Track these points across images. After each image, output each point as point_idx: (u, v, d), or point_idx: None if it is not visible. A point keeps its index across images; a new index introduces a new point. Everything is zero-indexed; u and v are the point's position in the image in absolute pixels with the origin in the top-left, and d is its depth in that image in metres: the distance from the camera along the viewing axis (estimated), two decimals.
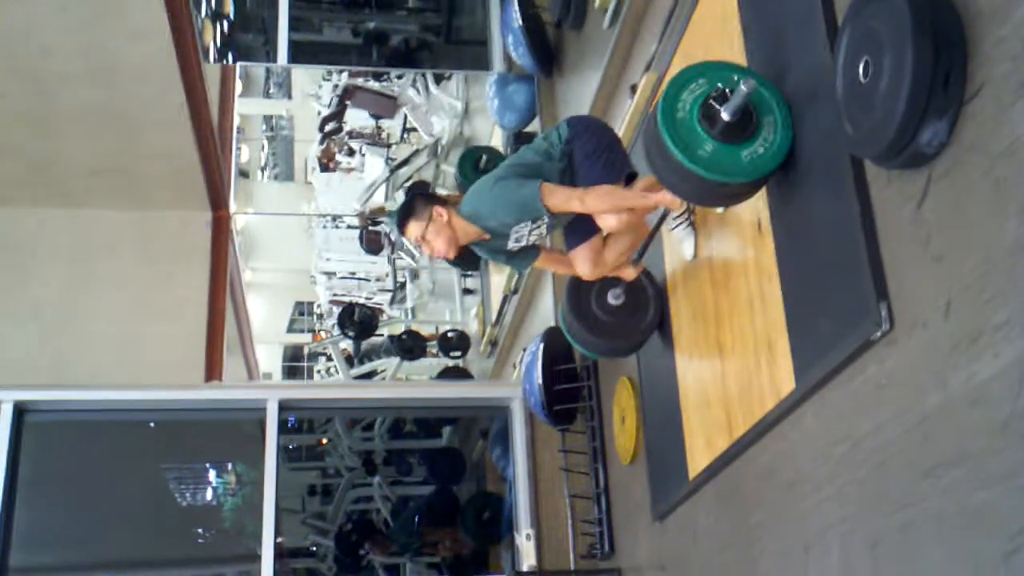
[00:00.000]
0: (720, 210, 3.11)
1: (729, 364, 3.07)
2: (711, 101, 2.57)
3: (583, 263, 3.32)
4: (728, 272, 3.10)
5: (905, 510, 2.11)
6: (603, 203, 3.05)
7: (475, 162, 7.15)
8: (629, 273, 3.49)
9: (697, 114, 2.57)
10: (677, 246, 3.48)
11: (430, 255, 3.28)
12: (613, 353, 3.89)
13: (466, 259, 6.73)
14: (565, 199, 3.06)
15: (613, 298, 3.62)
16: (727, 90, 2.58)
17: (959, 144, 1.97)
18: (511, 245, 3.21)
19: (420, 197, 3.20)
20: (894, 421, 2.16)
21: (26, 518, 5.30)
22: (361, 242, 10.23)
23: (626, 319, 3.64)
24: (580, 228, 3.27)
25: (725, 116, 2.54)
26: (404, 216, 3.17)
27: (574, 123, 3.26)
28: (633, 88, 4.03)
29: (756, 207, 2.88)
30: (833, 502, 2.42)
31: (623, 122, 4.09)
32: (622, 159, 3.24)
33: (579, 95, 5.16)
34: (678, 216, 3.37)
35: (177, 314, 6.66)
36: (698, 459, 3.30)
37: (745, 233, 2.96)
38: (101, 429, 6.24)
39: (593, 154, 3.17)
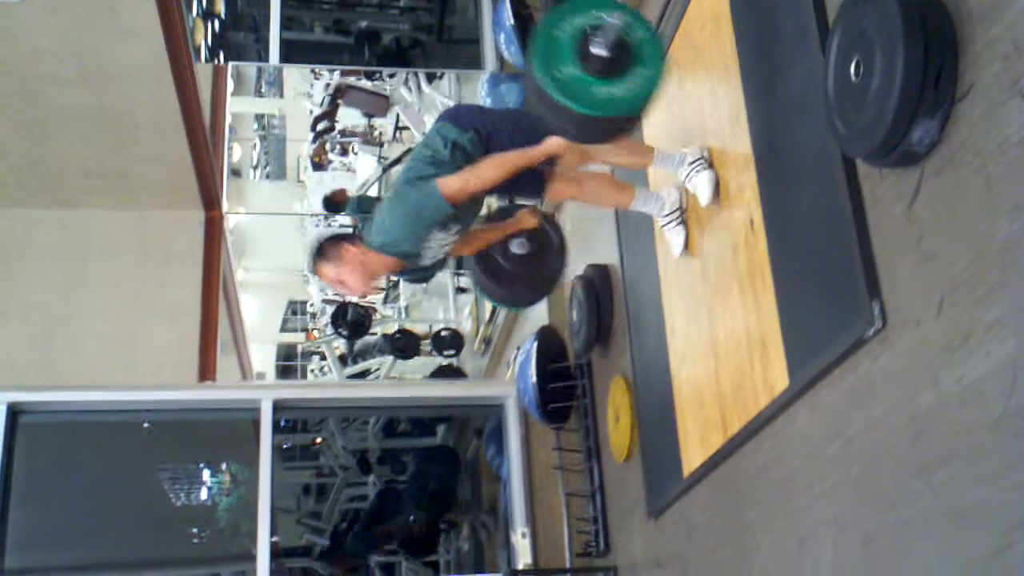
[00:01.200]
0: (704, 201, 3.10)
1: (723, 362, 3.08)
2: (593, 34, 2.65)
3: (569, 190, 3.35)
4: (721, 271, 3.11)
5: (897, 508, 2.12)
6: (497, 170, 2.99)
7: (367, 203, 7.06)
8: (529, 221, 3.45)
9: (573, 39, 2.66)
10: (667, 244, 3.48)
11: (348, 294, 3.29)
12: (518, 301, 3.91)
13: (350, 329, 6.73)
14: (462, 183, 2.98)
15: (517, 247, 3.59)
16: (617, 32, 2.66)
17: (950, 143, 1.98)
18: (426, 262, 3.17)
19: (329, 239, 3.16)
20: (886, 419, 2.17)
21: (21, 519, 5.29)
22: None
23: (531, 267, 3.63)
24: (527, 187, 3.25)
25: (595, 49, 2.62)
26: (315, 259, 3.15)
27: (454, 118, 3.18)
28: None
29: (749, 206, 2.89)
30: (826, 499, 2.43)
31: None
32: (531, 122, 3.18)
33: None
34: (669, 214, 3.37)
35: (170, 314, 6.66)
36: (692, 457, 3.31)
37: (738, 232, 2.97)
38: (95, 430, 6.24)
39: (507, 134, 3.13)
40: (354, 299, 10.86)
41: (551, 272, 3.65)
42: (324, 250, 3.12)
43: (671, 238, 3.42)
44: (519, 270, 3.60)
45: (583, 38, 2.65)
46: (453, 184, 2.98)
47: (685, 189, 3.27)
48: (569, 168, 3.22)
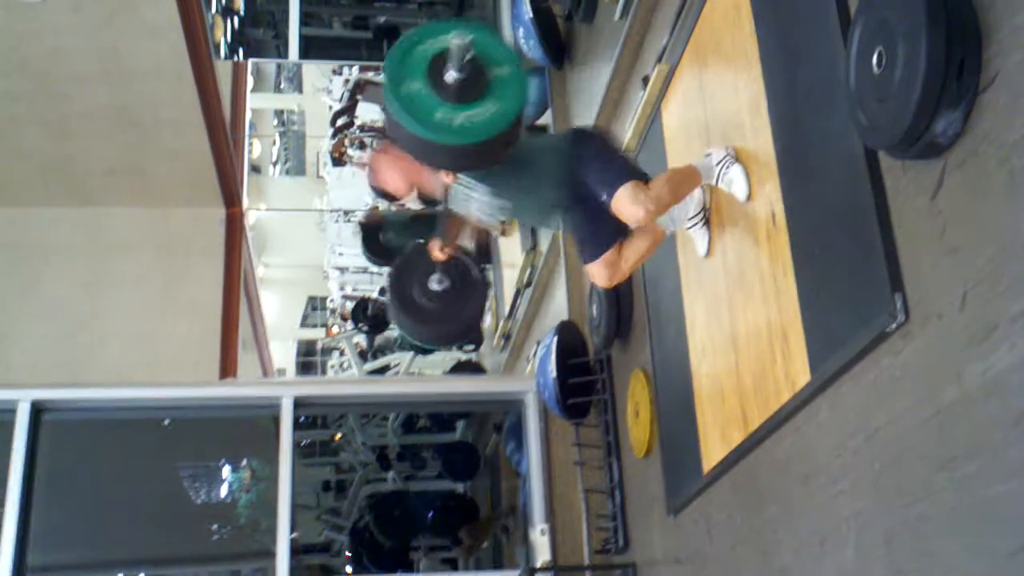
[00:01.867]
0: (742, 195, 3.06)
1: (743, 357, 3.06)
2: (448, 56, 2.58)
3: (602, 276, 3.30)
4: (742, 265, 3.09)
5: (921, 503, 2.10)
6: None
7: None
8: (438, 255, 3.38)
9: (428, 61, 2.59)
10: (691, 244, 3.46)
11: (383, 188, 3.23)
12: (448, 339, 3.81)
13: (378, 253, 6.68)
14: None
15: (436, 283, 3.49)
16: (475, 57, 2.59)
17: (974, 134, 1.95)
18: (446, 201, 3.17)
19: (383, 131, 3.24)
20: (909, 414, 2.15)
21: (44, 516, 5.33)
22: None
23: (452, 303, 3.52)
24: (598, 240, 3.24)
25: (449, 74, 2.55)
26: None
27: (577, 132, 3.26)
28: (645, 80, 4.02)
29: (770, 199, 2.87)
30: (848, 495, 2.41)
31: (635, 113, 4.08)
32: (631, 164, 3.20)
33: (591, 87, 5.15)
34: (693, 216, 3.36)
35: (192, 312, 6.70)
36: (713, 452, 3.29)
37: (759, 225, 2.94)
38: (117, 427, 6.27)
39: (600, 158, 3.14)
40: (374, 295, 10.87)
41: (472, 309, 3.53)
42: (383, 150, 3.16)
43: (696, 239, 3.40)
44: (438, 307, 3.48)
45: (439, 59, 2.58)
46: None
47: (715, 187, 3.23)
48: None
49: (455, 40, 2.47)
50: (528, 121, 6.62)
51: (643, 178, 3.12)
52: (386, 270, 11.35)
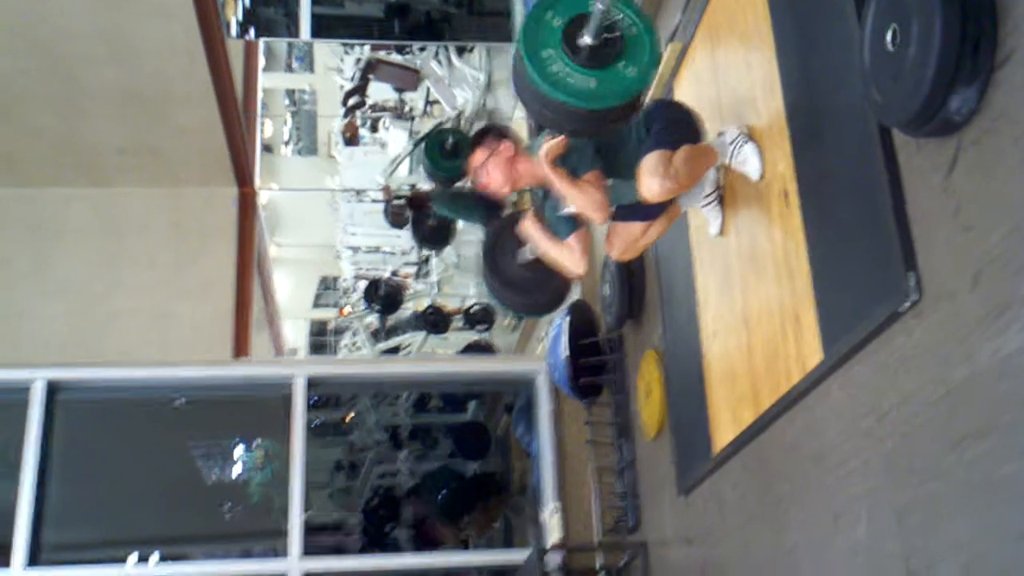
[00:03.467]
0: (755, 174, 3.03)
1: (755, 337, 3.05)
2: (583, 21, 2.55)
3: (621, 244, 3.33)
4: (754, 244, 3.08)
5: (932, 482, 2.10)
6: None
7: (441, 145, 6.80)
8: (526, 224, 3.34)
9: (563, 24, 2.56)
10: (704, 223, 3.45)
11: (485, 186, 3.24)
12: (539, 309, 3.81)
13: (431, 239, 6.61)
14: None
15: (528, 253, 3.47)
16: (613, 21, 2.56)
17: (989, 112, 1.94)
18: (563, 208, 3.15)
19: (495, 128, 3.20)
20: (921, 393, 2.14)
21: (58, 494, 5.38)
22: (386, 216, 10.19)
23: (542, 274, 3.50)
24: (638, 208, 3.21)
25: (582, 37, 2.53)
26: (475, 141, 3.17)
27: (655, 105, 3.22)
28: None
29: (783, 177, 2.86)
30: (860, 474, 2.41)
31: (648, 93, 4.05)
32: (690, 130, 3.17)
33: None
34: (708, 194, 3.34)
35: (205, 291, 6.72)
36: (724, 432, 3.29)
37: (772, 204, 2.93)
38: (131, 406, 6.31)
39: (667, 126, 3.11)
40: (387, 275, 10.88)
41: (561, 279, 3.50)
42: (484, 137, 3.15)
43: (710, 217, 3.39)
44: (530, 276, 3.50)
45: (573, 24, 2.56)
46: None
47: (728, 167, 3.22)
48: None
49: (598, 4, 2.46)
50: None
51: (694, 139, 3.09)
52: (399, 252, 11.37)
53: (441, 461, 8.90)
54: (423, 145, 7.06)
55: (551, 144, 2.96)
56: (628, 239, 3.32)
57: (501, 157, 3.10)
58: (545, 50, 2.54)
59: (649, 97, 4.03)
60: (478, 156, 3.13)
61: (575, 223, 3.13)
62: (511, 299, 3.61)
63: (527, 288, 3.52)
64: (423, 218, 7.65)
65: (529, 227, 3.22)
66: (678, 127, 3.12)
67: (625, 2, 2.63)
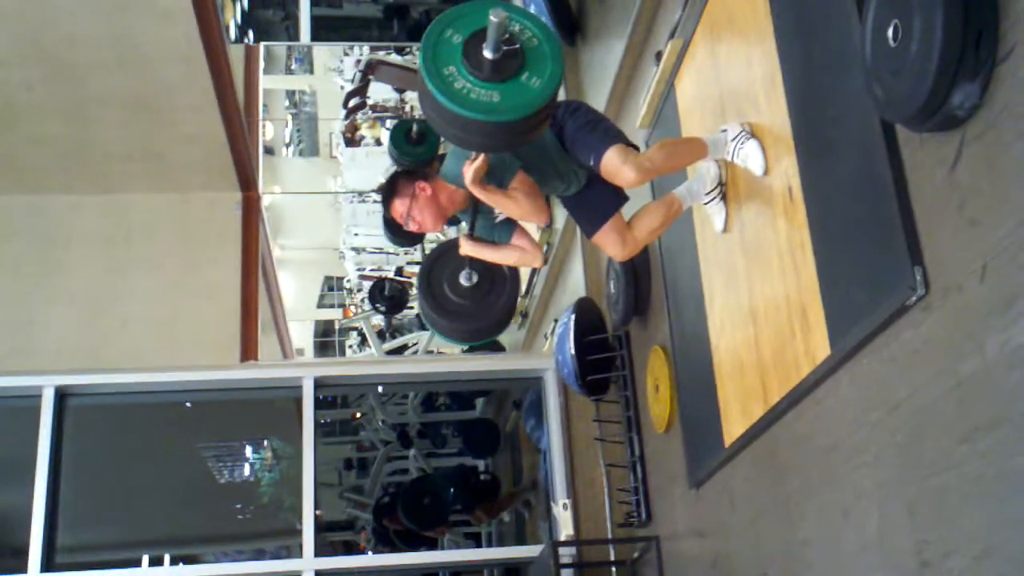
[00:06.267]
0: (759, 170, 3.05)
1: (763, 331, 3.07)
2: (482, 34, 2.53)
3: (613, 246, 3.28)
4: (760, 240, 3.10)
5: (943, 474, 2.12)
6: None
7: (406, 133, 6.84)
8: (467, 250, 3.28)
9: (464, 40, 2.54)
10: (708, 220, 3.47)
11: (418, 231, 3.23)
12: (477, 335, 3.62)
13: (402, 234, 6.59)
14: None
15: (465, 279, 3.41)
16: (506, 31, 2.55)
17: (992, 106, 1.95)
18: (493, 218, 3.16)
19: (403, 174, 3.17)
20: (930, 386, 2.16)
21: (71, 499, 5.41)
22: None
23: (481, 299, 3.43)
24: (596, 210, 3.23)
25: (485, 52, 2.51)
26: (387, 196, 3.15)
27: (563, 103, 3.20)
28: (658, 55, 4.01)
29: (787, 174, 2.87)
30: (870, 467, 2.43)
31: (649, 89, 4.07)
32: (617, 130, 3.19)
33: (603, 63, 5.14)
34: (711, 191, 3.35)
35: (211, 295, 6.74)
36: (733, 426, 3.32)
37: (776, 200, 2.95)
38: (140, 411, 6.34)
39: (587, 125, 3.12)
40: (391, 274, 10.90)
41: (502, 305, 3.44)
42: (397, 186, 3.13)
43: (713, 214, 3.40)
44: (471, 302, 3.41)
45: (473, 39, 2.55)
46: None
47: (729, 163, 3.23)
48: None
49: (492, 18, 2.47)
50: None
51: (630, 145, 3.12)
52: (403, 251, 11.39)
53: (450, 459, 8.94)
54: (389, 134, 7.06)
55: (474, 166, 2.92)
56: (618, 234, 3.27)
57: (421, 199, 3.08)
58: (447, 67, 2.52)
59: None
60: (397, 207, 3.11)
61: (511, 224, 3.16)
62: (453, 328, 3.51)
63: (468, 314, 3.43)
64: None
65: (470, 249, 3.18)
66: (601, 123, 3.14)
67: (525, 14, 2.62)
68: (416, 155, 6.19)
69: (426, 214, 3.09)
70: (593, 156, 3.05)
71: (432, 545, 8.32)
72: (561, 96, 6.35)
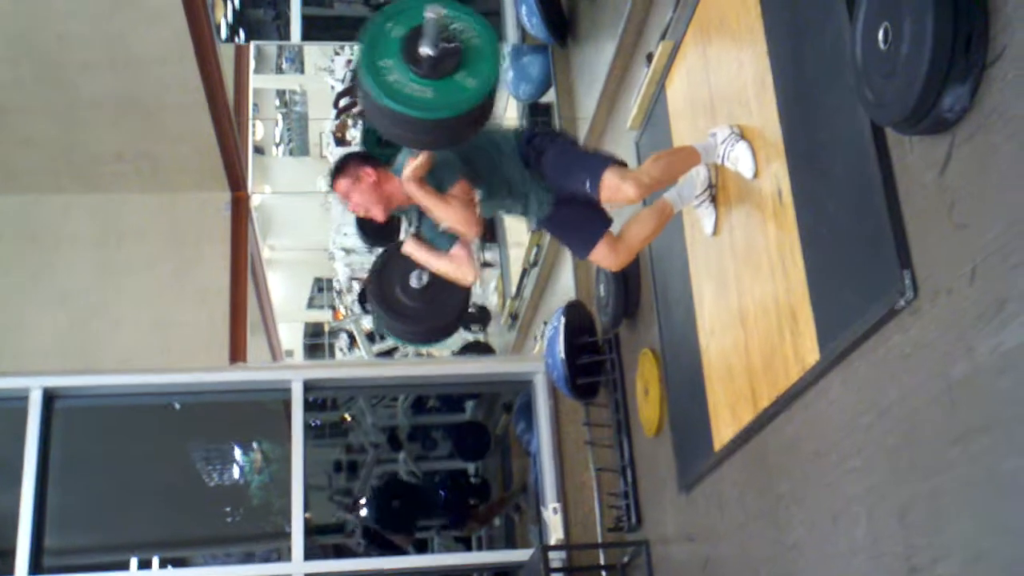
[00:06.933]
0: (748, 172, 3.04)
1: (752, 335, 3.06)
2: (420, 31, 2.54)
3: (606, 260, 3.31)
4: (750, 243, 3.09)
5: (934, 478, 2.11)
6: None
7: (378, 135, 6.83)
8: (407, 247, 3.28)
9: (403, 36, 2.55)
10: (698, 222, 3.46)
11: (360, 214, 3.22)
12: (431, 336, 3.60)
13: (372, 234, 6.59)
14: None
15: (416, 281, 3.38)
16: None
17: (981, 109, 1.95)
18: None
19: (354, 156, 3.18)
20: (921, 389, 2.15)
21: (59, 501, 5.38)
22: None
23: (432, 300, 3.41)
24: (583, 233, 3.26)
25: (423, 48, 2.51)
26: (334, 173, 3.17)
27: (534, 132, 3.24)
28: (649, 57, 4.00)
29: (777, 176, 2.87)
30: (861, 471, 2.42)
31: (639, 91, 4.07)
32: (607, 152, 3.22)
33: (594, 64, 5.13)
34: (700, 193, 3.35)
35: (201, 296, 6.70)
36: (723, 430, 3.31)
37: (766, 203, 2.94)
38: (129, 413, 6.31)
39: (574, 148, 3.16)
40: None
41: (454, 305, 3.42)
42: (345, 166, 3.15)
43: (703, 217, 3.40)
44: (422, 303, 3.39)
45: (414, 34, 2.55)
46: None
47: (720, 166, 3.23)
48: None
49: (428, 14, 2.45)
50: (532, 99, 6.61)
51: (620, 163, 3.15)
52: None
53: (440, 462, 8.92)
54: (360, 135, 7.05)
55: (416, 162, 2.93)
56: (612, 250, 3.30)
57: (364, 183, 3.09)
58: (384, 60, 2.52)
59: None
60: (341, 186, 3.13)
61: (456, 235, 3.13)
62: (406, 330, 3.51)
63: (421, 315, 3.41)
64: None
65: (411, 248, 3.18)
66: (585, 149, 3.19)
67: (468, 12, 2.61)
68: (387, 156, 6.20)
69: (366, 199, 3.10)
70: (589, 179, 3.07)
71: (422, 549, 8.31)
72: (551, 97, 6.38)
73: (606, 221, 3.28)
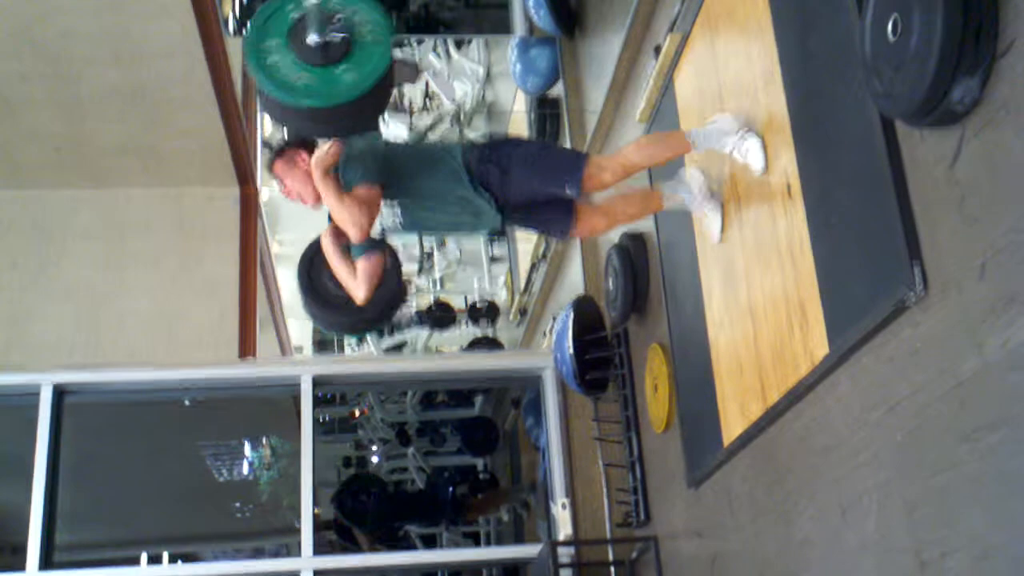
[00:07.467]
0: (758, 168, 3.02)
1: (761, 330, 3.05)
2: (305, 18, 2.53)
3: (587, 232, 3.41)
4: (759, 237, 3.07)
5: (943, 474, 2.09)
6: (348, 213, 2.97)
7: None
8: (323, 242, 3.25)
9: (290, 23, 2.54)
10: (704, 229, 3.45)
11: (287, 195, 3.21)
12: (361, 326, 3.63)
13: None
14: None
15: None
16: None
17: (992, 101, 1.93)
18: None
19: (293, 143, 3.14)
20: (930, 385, 2.13)
21: (70, 496, 5.38)
22: None
23: None
24: (554, 215, 3.26)
25: (310, 36, 2.50)
26: (274, 155, 3.15)
27: (488, 144, 3.21)
28: (657, 49, 3.98)
29: (786, 170, 2.84)
30: (870, 467, 2.40)
31: (648, 83, 4.04)
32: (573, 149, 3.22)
33: (602, 57, 5.11)
34: (705, 202, 3.35)
35: (210, 291, 6.72)
36: (732, 426, 3.29)
37: (775, 198, 2.92)
38: (139, 408, 6.32)
39: (545, 150, 3.19)
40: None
41: (384, 294, 3.35)
42: (283, 151, 3.13)
43: (708, 224, 3.38)
44: (346, 295, 3.31)
45: (301, 21, 2.54)
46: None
47: (728, 159, 3.21)
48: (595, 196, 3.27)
49: (309, 1, 2.44)
50: (540, 92, 6.59)
51: (587, 156, 3.17)
52: (401, 246, 11.34)
53: (449, 457, 8.92)
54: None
55: (321, 152, 2.91)
56: (590, 218, 3.34)
57: (299, 170, 3.06)
58: (271, 39, 2.52)
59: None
60: (277, 168, 3.11)
61: (371, 247, 3.06)
62: (335, 319, 3.48)
63: (351, 305, 3.32)
64: None
65: (325, 241, 3.14)
66: (554, 147, 3.18)
67: (371, 6, 2.59)
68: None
69: (298, 185, 3.09)
70: (568, 182, 3.08)
71: (431, 544, 8.31)
72: (559, 90, 6.36)
73: (568, 197, 3.25)
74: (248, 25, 2.55)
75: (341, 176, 2.95)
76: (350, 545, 7.72)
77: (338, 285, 3.29)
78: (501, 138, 3.44)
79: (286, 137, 3.17)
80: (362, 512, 7.71)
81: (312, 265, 3.42)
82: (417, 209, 3.12)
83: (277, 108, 2.56)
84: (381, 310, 3.44)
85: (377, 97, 2.65)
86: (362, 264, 3.05)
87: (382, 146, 3.12)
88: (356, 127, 2.76)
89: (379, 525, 7.81)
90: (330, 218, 3.11)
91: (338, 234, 3.10)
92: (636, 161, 3.17)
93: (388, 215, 3.08)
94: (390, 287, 3.37)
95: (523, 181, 3.11)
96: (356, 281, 3.08)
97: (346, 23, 2.54)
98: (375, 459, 9.07)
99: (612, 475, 4.77)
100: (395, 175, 3.04)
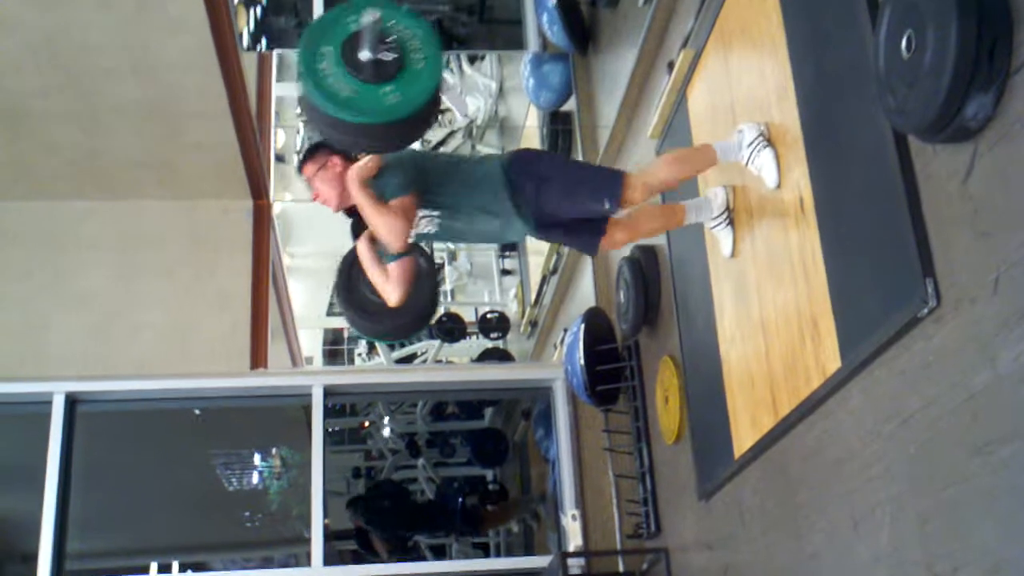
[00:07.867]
0: (772, 182, 3.04)
1: (773, 343, 3.06)
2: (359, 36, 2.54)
3: (612, 246, 3.41)
4: (771, 251, 3.08)
5: (955, 487, 2.10)
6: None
7: None
8: (359, 247, 3.28)
9: (344, 39, 2.55)
10: (715, 244, 3.47)
11: (315, 198, 3.24)
12: (399, 332, 3.67)
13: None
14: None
15: None
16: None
17: (1005, 117, 1.94)
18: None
19: (324, 145, 3.16)
20: (943, 399, 2.14)
21: (81, 506, 5.41)
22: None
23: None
24: (586, 233, 3.30)
25: (362, 52, 2.52)
26: (305, 156, 3.18)
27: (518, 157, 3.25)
28: (670, 65, 4.00)
29: (798, 185, 2.86)
30: (882, 480, 2.41)
31: (661, 99, 4.07)
32: (596, 167, 3.26)
33: (615, 73, 5.14)
34: (716, 216, 3.37)
35: (222, 302, 6.75)
36: (743, 438, 3.30)
37: (787, 211, 2.94)
38: (150, 418, 6.35)
39: (583, 169, 3.22)
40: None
41: (421, 301, 3.43)
42: (315, 152, 3.15)
43: (721, 239, 3.41)
44: (383, 302, 3.33)
45: (354, 38, 2.56)
46: None
47: (742, 171, 3.23)
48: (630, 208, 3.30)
49: (366, 18, 2.46)
50: (552, 107, 6.62)
51: (623, 173, 3.19)
52: None
53: (459, 468, 8.93)
54: None
55: (361, 163, 2.94)
56: (618, 233, 3.37)
57: (329, 172, 3.10)
58: (325, 46, 2.52)
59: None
60: (307, 169, 3.14)
61: (405, 252, 3.09)
62: (375, 328, 3.53)
63: (388, 312, 3.38)
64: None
65: (360, 248, 3.18)
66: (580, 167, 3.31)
67: (428, 34, 2.61)
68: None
69: (327, 188, 3.11)
70: (607, 198, 3.12)
71: (441, 555, 8.31)
72: (571, 105, 6.39)
73: (602, 217, 3.30)
74: (307, 27, 2.57)
75: (377, 186, 2.98)
76: (368, 552, 7.74)
77: (374, 291, 3.33)
78: (535, 152, 3.46)
79: (313, 140, 3.19)
80: (386, 518, 7.75)
81: (350, 275, 3.48)
82: (449, 218, 3.15)
83: (316, 112, 2.59)
84: (417, 317, 3.50)
85: (413, 127, 2.68)
86: (394, 268, 3.10)
87: (418, 156, 3.17)
88: (386, 148, 2.79)
89: (396, 533, 7.84)
90: (357, 230, 3.15)
91: (373, 240, 3.14)
92: (664, 178, 3.20)
93: (423, 224, 3.11)
94: (425, 293, 3.43)
95: (561, 196, 3.14)
96: (390, 284, 3.12)
97: (400, 45, 2.56)
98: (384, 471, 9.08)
99: (622, 486, 4.78)
100: (430, 184, 3.07)
